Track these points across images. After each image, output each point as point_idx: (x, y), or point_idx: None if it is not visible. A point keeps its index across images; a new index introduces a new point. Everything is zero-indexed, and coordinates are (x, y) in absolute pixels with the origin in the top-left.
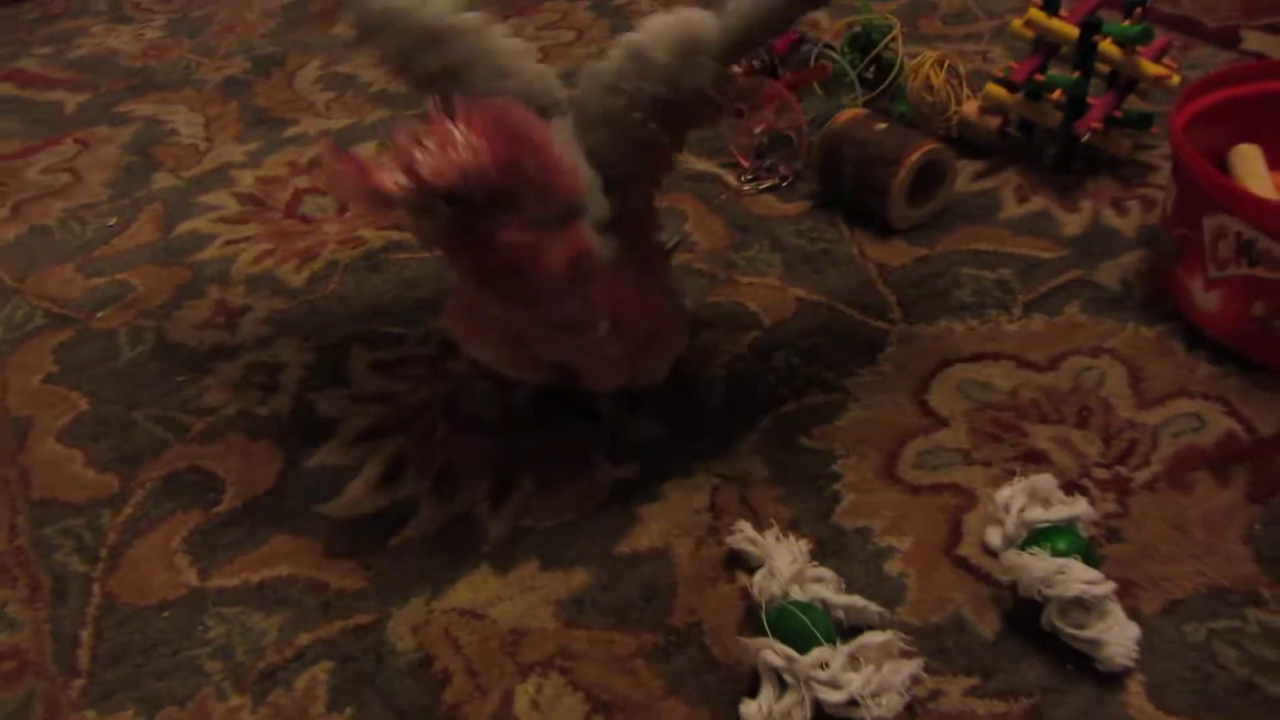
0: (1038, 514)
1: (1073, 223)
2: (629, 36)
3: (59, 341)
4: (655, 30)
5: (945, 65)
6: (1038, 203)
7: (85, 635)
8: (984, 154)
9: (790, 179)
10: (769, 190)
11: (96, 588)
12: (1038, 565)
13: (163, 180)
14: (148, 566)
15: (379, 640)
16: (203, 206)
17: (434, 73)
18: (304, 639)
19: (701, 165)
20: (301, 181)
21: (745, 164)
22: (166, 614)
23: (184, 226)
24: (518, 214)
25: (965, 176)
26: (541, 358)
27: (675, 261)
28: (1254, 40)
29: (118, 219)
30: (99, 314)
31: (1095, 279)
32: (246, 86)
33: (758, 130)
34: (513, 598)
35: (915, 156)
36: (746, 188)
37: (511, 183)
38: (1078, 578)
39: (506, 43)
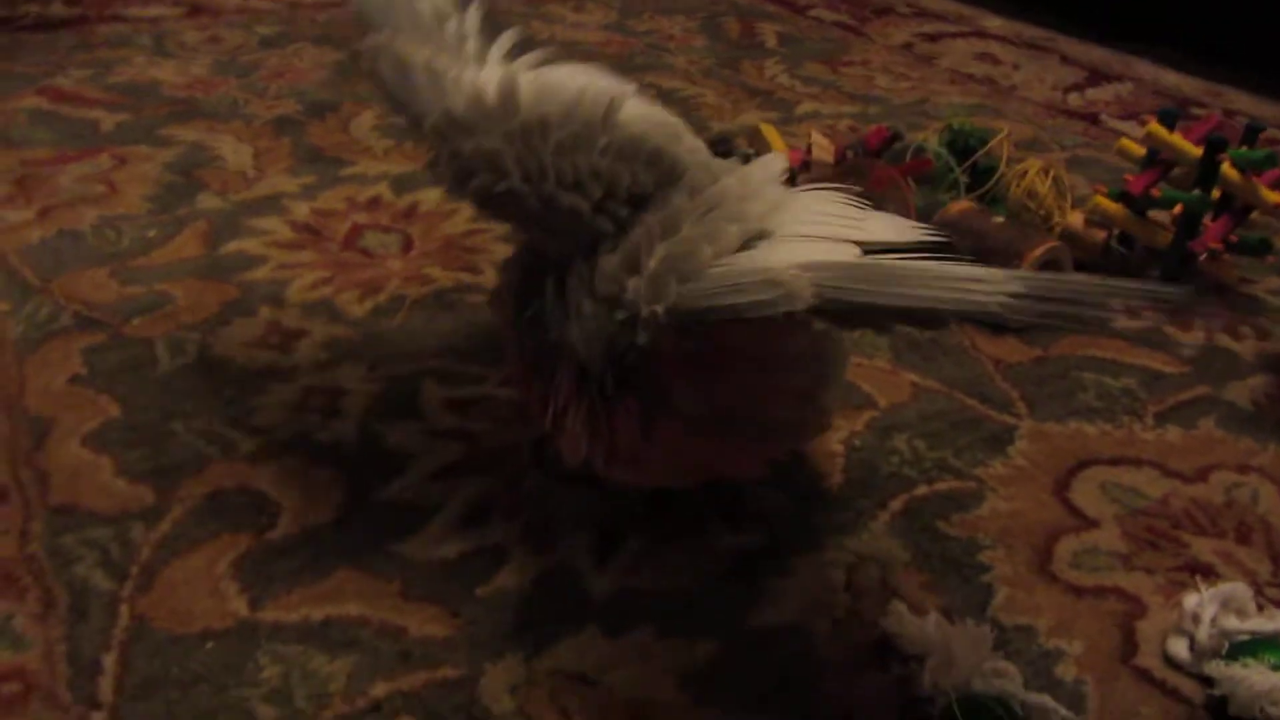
0: (1234, 624)
1: (1187, 341)
2: None
3: (88, 344)
4: None
5: (1050, 174)
6: (1147, 319)
7: (109, 661)
8: (1085, 267)
9: None
10: None
11: (125, 609)
12: (1259, 679)
13: (208, 201)
14: (188, 590)
15: (470, 698)
16: (253, 229)
17: (493, 194)
18: (380, 689)
19: None
20: (361, 217)
21: None
22: (211, 645)
23: (232, 245)
24: None
25: None
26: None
27: None
28: None
29: (157, 231)
30: (134, 320)
31: (1225, 397)
32: (299, 126)
33: None
34: (628, 664)
35: (1039, 252)
36: None
37: None
38: None
39: (570, 132)
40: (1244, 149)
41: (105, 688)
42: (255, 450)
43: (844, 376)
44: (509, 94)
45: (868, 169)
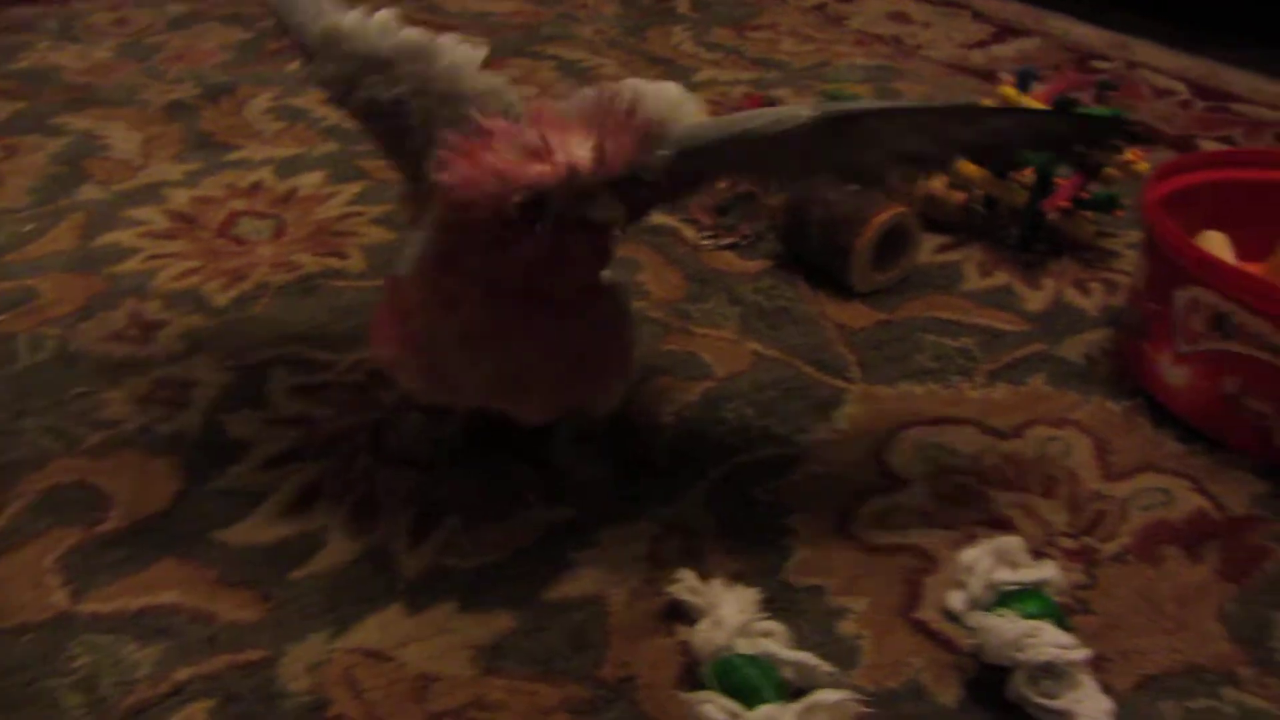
0: (1005, 576)
1: (1035, 299)
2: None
3: None
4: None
5: None
6: (1000, 278)
7: None
8: (948, 229)
9: (751, 238)
10: (729, 247)
11: None
12: (1007, 627)
13: (90, 192)
14: (13, 585)
15: (269, 679)
16: (130, 220)
17: (381, 101)
18: (182, 673)
19: (659, 219)
20: (240, 204)
21: (705, 220)
22: (28, 637)
23: (106, 238)
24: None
25: (929, 249)
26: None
27: None
28: (1211, 149)
29: (34, 225)
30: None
31: (1058, 353)
32: (193, 110)
33: (720, 186)
34: (426, 639)
35: (883, 217)
36: (705, 243)
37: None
38: (1050, 641)
39: (452, 62)
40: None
41: None
42: (98, 445)
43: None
44: (387, 22)
45: None
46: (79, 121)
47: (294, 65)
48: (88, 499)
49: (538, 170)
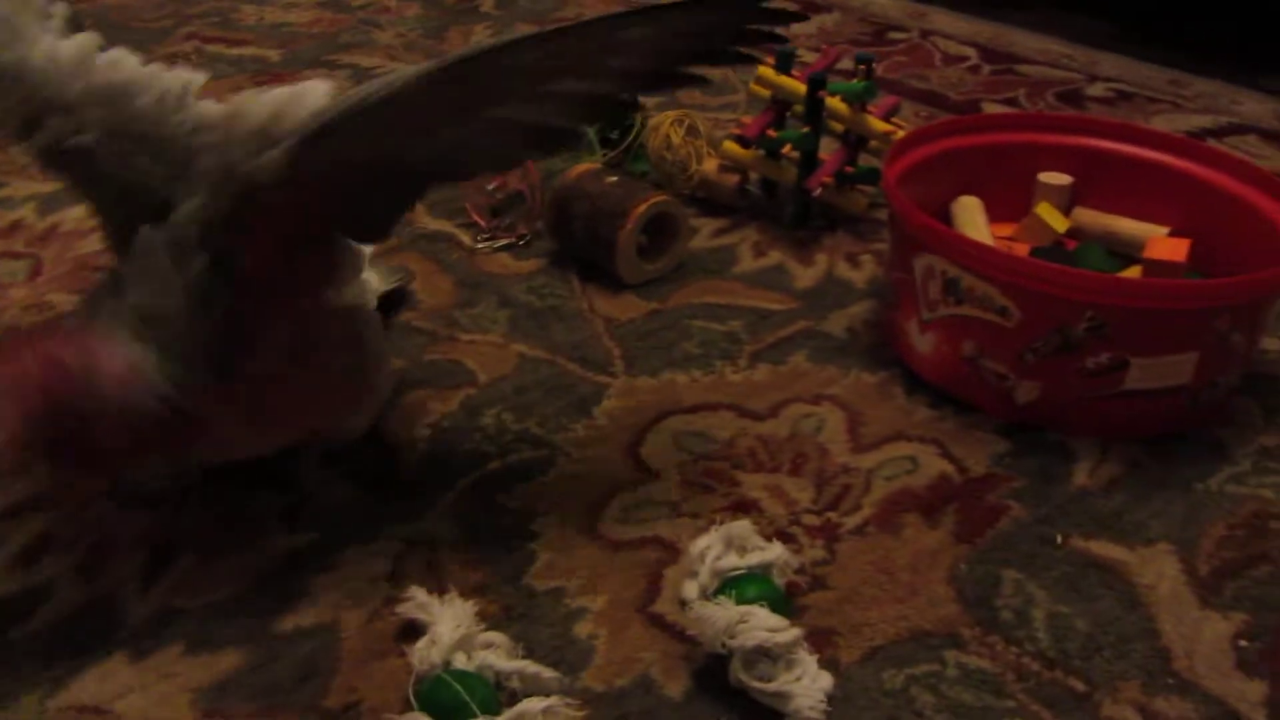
0: (732, 562)
1: (806, 276)
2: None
3: None
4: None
5: (685, 124)
6: (774, 257)
7: None
8: (727, 212)
9: (528, 237)
10: (504, 249)
11: None
12: (720, 615)
13: None
14: None
15: None
16: None
17: (65, 147)
18: None
19: (436, 225)
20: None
21: (482, 223)
22: None
23: None
24: None
25: (706, 234)
26: None
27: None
28: (993, 111)
29: None
30: None
31: (823, 329)
32: None
33: (491, 188)
34: (146, 688)
35: (643, 208)
36: (481, 246)
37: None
38: (760, 625)
39: (159, 98)
40: (853, 81)
41: None
42: None
43: (387, 368)
44: (88, 55)
45: None
46: None
47: None
48: None
49: None
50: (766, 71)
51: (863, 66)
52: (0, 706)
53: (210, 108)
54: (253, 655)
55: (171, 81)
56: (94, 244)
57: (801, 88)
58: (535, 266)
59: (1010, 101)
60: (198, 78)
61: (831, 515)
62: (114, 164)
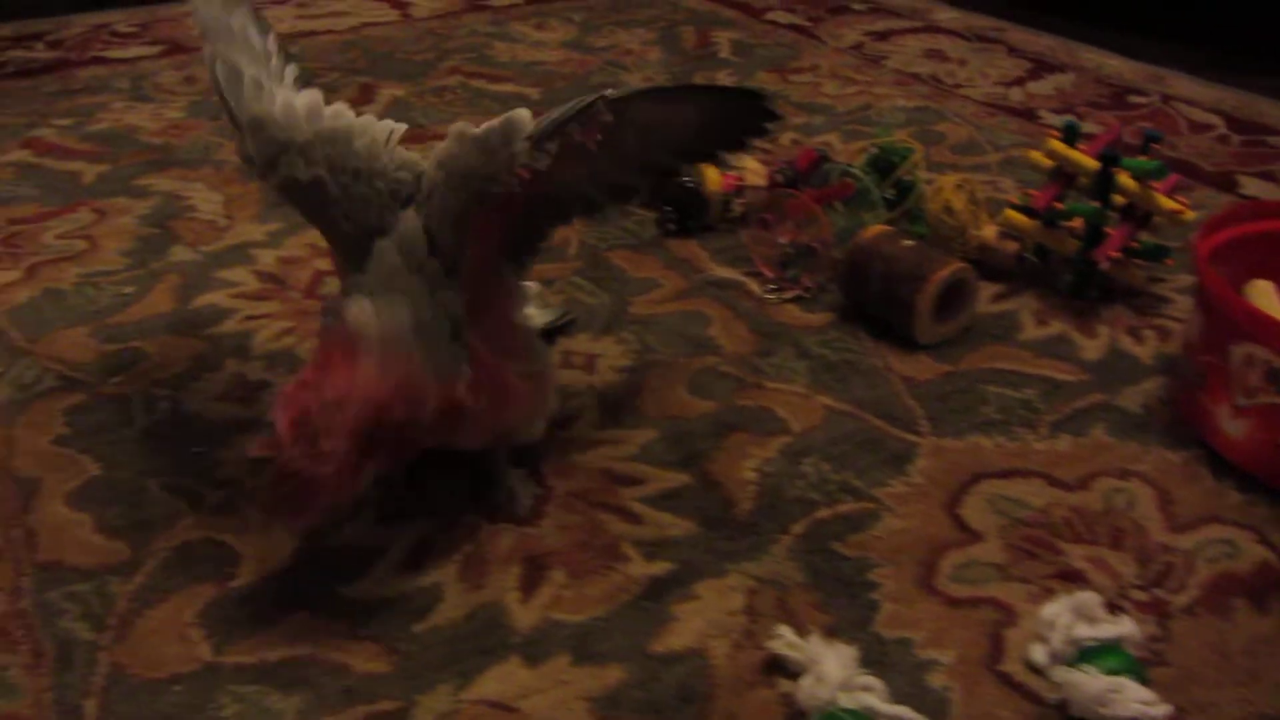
0: (1085, 631)
1: (1091, 348)
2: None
3: (70, 404)
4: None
5: (966, 189)
6: (1056, 327)
7: (90, 706)
8: (1001, 277)
9: (814, 290)
10: (792, 300)
11: (104, 657)
12: (1091, 684)
13: (181, 253)
14: (159, 638)
15: None
16: (222, 281)
17: (299, 180)
18: None
19: (725, 272)
20: (323, 264)
21: (769, 274)
22: (178, 688)
23: (202, 299)
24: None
25: (985, 298)
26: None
27: (697, 361)
28: (1251, 186)
29: (135, 288)
30: (112, 380)
31: (1118, 403)
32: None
33: (783, 241)
34: (544, 691)
35: (944, 273)
36: (770, 297)
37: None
38: (1134, 698)
39: (371, 140)
40: (1141, 159)
41: None
42: (220, 503)
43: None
44: (317, 107)
45: (783, 199)
46: (162, 183)
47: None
48: (217, 555)
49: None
50: (1057, 144)
51: (1153, 145)
52: (419, 691)
53: (406, 152)
54: (634, 672)
55: (379, 128)
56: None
57: (1092, 162)
58: (824, 320)
59: (1266, 176)
60: (400, 126)
61: (1159, 592)
62: (338, 193)
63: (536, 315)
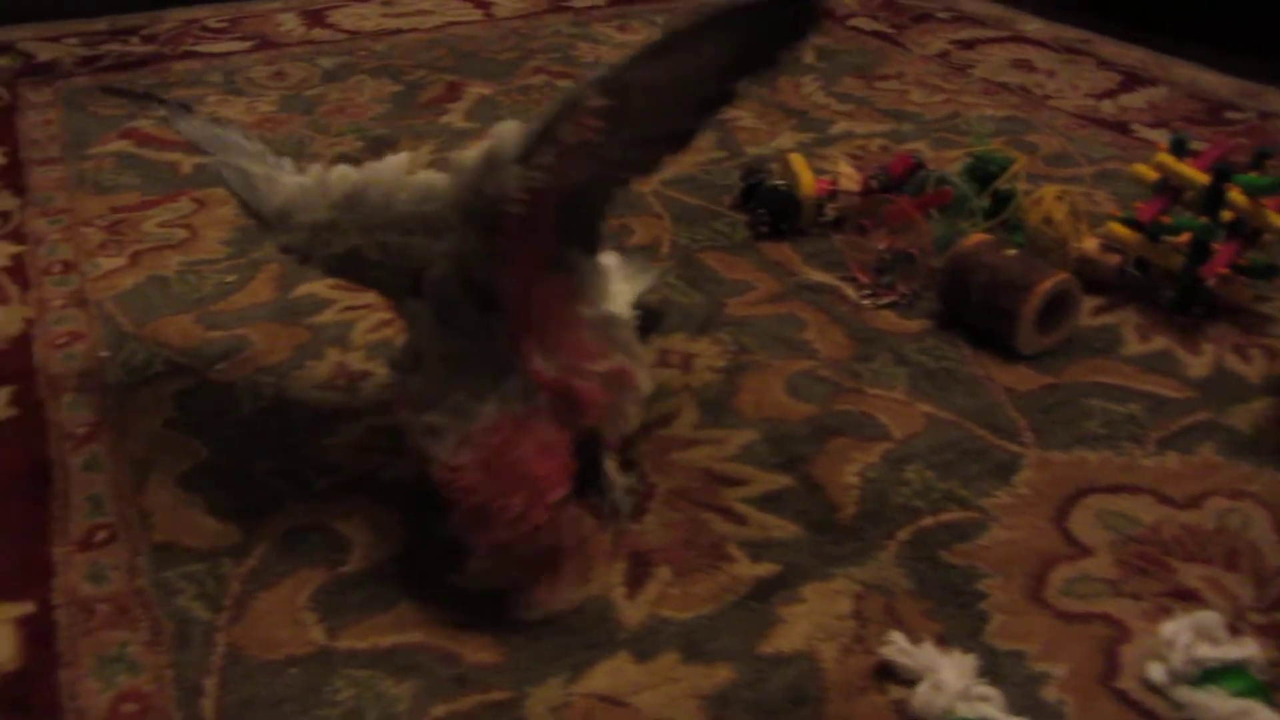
0: (1207, 652)
1: (1197, 365)
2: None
3: (178, 388)
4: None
5: (1067, 201)
6: (1159, 342)
7: (210, 685)
8: (1101, 290)
9: (909, 297)
10: (888, 306)
11: (221, 637)
12: (1218, 705)
13: None
14: (273, 620)
15: (517, 718)
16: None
17: (338, 254)
18: (439, 710)
19: (819, 276)
20: None
21: (863, 279)
22: (294, 670)
23: (302, 289)
24: None
25: (1085, 311)
26: None
27: (794, 363)
28: None
29: (236, 277)
30: (218, 366)
31: (1226, 422)
32: (359, 164)
33: (880, 247)
34: (655, 687)
35: (1048, 284)
36: (865, 302)
37: None
38: None
39: (383, 189)
40: (1252, 174)
41: (208, 708)
42: (327, 489)
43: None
44: (324, 179)
45: (881, 204)
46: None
47: (448, 118)
48: (327, 540)
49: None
50: (1166, 158)
51: (1267, 161)
52: (530, 683)
53: (432, 174)
54: (744, 672)
55: (387, 169)
56: None
57: (1202, 176)
58: (922, 327)
59: None
60: (418, 154)
61: (1278, 616)
62: (375, 252)
63: (624, 290)
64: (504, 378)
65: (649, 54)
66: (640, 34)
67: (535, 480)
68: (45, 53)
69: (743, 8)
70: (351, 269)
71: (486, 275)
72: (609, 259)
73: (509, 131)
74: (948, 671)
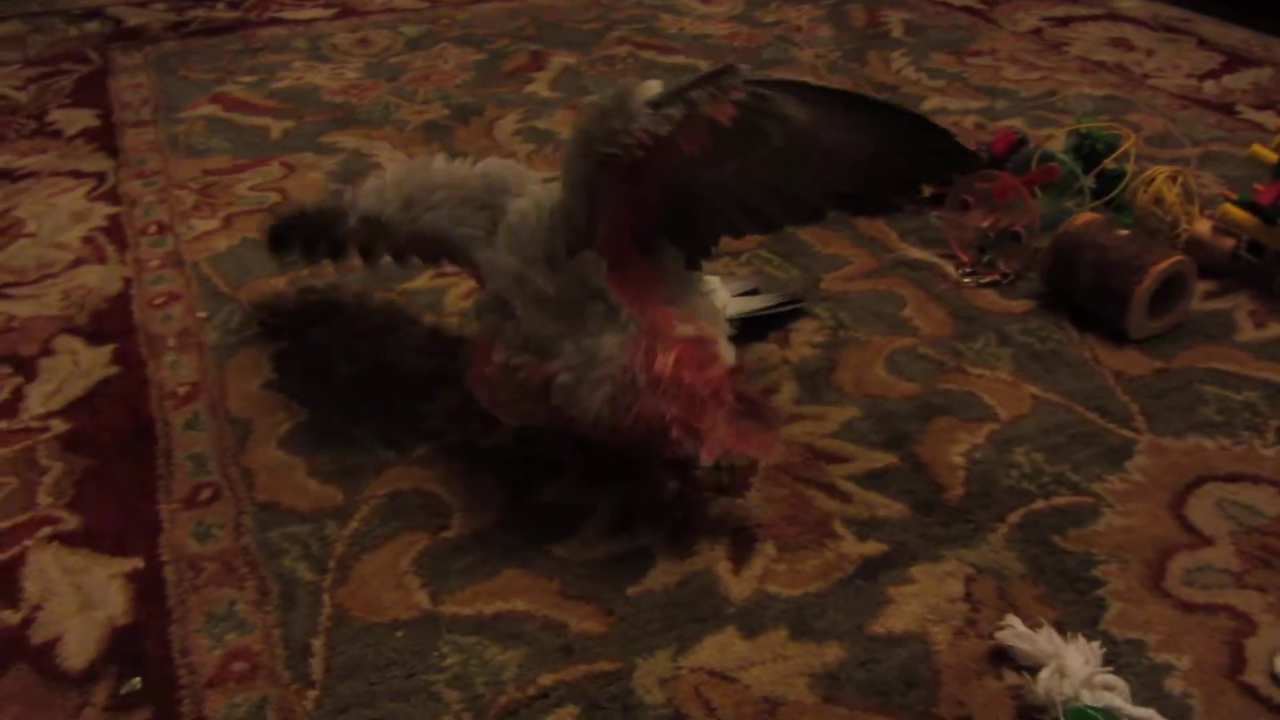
0: None
1: None
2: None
3: (275, 350)
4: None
5: (1179, 180)
6: (1275, 329)
7: (318, 645)
8: (1212, 274)
9: (1011, 276)
10: (989, 285)
11: (327, 598)
12: None
13: None
14: (378, 583)
15: (625, 690)
16: None
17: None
18: (546, 679)
19: (917, 253)
20: None
21: (964, 257)
22: (400, 634)
23: None
24: None
25: (1197, 295)
26: None
27: (894, 340)
28: None
29: None
30: (313, 329)
31: None
32: (446, 130)
33: (985, 225)
34: (764, 664)
35: (1163, 265)
36: (966, 280)
37: None
38: None
39: (459, 193)
40: None
41: (316, 668)
42: (426, 454)
43: None
44: (379, 186)
45: (988, 179)
46: (346, 140)
47: (532, 87)
48: (428, 505)
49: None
50: (1260, 150)
51: None
52: (638, 654)
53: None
54: (854, 651)
55: (419, 167)
56: None
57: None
58: (1025, 307)
59: None
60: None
61: None
62: (447, 225)
63: (720, 293)
64: (609, 313)
65: (806, 89)
66: (724, 6)
67: (704, 379)
68: (133, 18)
69: (913, 116)
70: (437, 247)
71: (585, 216)
72: (712, 280)
73: (648, 84)
74: (1073, 658)
